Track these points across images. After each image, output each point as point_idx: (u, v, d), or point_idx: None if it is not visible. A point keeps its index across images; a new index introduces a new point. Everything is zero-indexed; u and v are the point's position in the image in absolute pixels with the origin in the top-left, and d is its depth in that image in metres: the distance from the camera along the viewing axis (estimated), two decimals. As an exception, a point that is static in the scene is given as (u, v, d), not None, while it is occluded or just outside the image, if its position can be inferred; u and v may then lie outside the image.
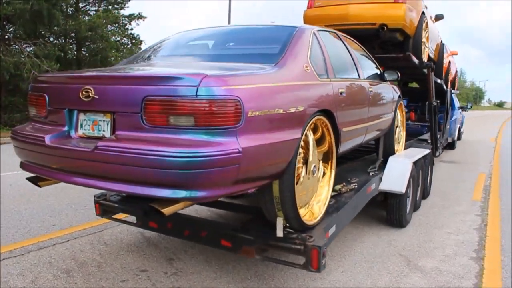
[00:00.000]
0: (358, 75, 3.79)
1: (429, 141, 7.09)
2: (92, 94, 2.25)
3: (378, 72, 4.50)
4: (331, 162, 3.16)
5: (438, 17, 7.85)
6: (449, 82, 10.22)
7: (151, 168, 2.01)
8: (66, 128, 2.44)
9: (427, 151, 5.79)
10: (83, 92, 2.28)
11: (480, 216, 5.21)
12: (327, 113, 2.93)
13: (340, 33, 3.88)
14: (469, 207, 5.69)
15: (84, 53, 16.31)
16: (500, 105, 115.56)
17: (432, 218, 5.07)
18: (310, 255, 2.65)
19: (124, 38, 17.29)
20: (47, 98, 2.51)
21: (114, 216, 3.66)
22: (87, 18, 15.94)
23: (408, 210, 4.68)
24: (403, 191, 4.29)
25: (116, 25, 16.76)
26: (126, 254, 3.62)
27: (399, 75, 4.40)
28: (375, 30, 5.75)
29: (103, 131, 2.32)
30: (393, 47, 6.25)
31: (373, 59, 4.65)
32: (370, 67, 4.33)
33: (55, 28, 14.17)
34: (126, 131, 2.18)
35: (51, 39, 15.11)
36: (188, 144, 2.01)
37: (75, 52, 16.18)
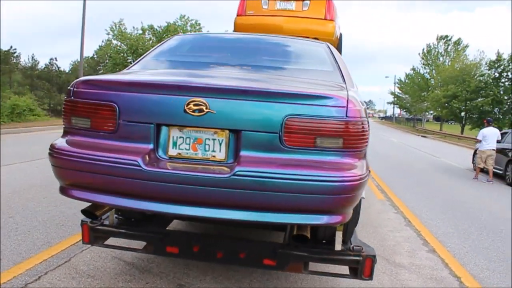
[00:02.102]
0: None
1: None
2: (207, 108, 1.94)
3: None
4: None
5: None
6: None
7: (301, 194, 1.88)
8: (151, 147, 2.03)
9: None
10: (191, 105, 1.95)
11: (398, 214, 6.07)
12: None
13: None
14: (382, 206, 6.55)
15: None
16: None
17: (365, 218, 5.68)
18: (364, 265, 2.77)
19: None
20: (118, 109, 2.04)
21: (107, 243, 3.13)
22: None
23: None
24: (364, 196, 4.72)
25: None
26: (128, 287, 3.13)
27: None
28: None
29: (213, 151, 2.02)
30: None
31: None
32: None
33: None
34: (256, 152, 1.96)
35: None
36: (339, 167, 1.94)
37: None
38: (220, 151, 2.01)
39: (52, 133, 14.01)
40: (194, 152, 2.03)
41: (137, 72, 2.64)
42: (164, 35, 32.95)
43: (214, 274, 3.42)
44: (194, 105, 1.95)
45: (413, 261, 4.10)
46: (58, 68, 33.73)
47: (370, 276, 2.80)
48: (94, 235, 3.00)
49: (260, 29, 6.06)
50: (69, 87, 2.20)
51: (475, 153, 11.68)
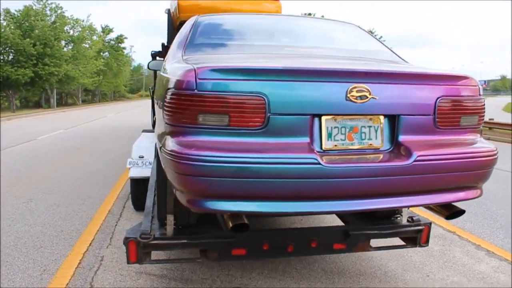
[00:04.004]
0: None
1: None
2: (370, 94, 1.83)
3: None
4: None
5: None
6: None
7: (457, 172, 1.97)
8: (307, 141, 1.82)
9: None
10: (354, 92, 1.81)
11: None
12: None
13: None
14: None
15: None
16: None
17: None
18: (422, 233, 2.94)
19: None
20: (267, 101, 1.75)
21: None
22: None
23: None
24: None
25: None
26: (185, 300, 2.76)
27: None
28: None
29: (369, 139, 1.93)
30: None
31: None
32: None
33: None
34: (414, 135, 1.95)
35: None
36: (476, 142, 2.11)
37: None
38: (376, 138, 1.93)
39: None
40: (350, 142, 1.90)
41: (259, 57, 2.34)
42: (23, 20, 29.06)
43: (257, 270, 3.24)
44: (357, 91, 1.81)
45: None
46: None
47: (427, 243, 2.98)
48: (143, 252, 2.59)
49: (209, 11, 5.76)
50: (183, 78, 1.77)
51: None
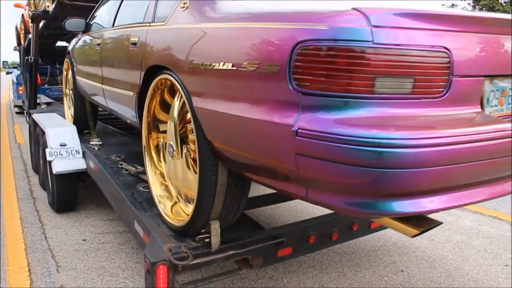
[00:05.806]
0: None
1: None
2: None
3: None
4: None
5: None
6: None
7: None
8: (478, 110, 1.44)
9: None
10: None
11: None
12: None
13: None
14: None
15: None
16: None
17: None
18: None
19: None
20: (452, 59, 1.27)
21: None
22: None
23: None
24: None
25: None
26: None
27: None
28: None
29: (510, 103, 1.61)
30: None
31: None
32: None
33: None
34: None
35: None
36: None
37: None
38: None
39: None
40: (501, 107, 1.56)
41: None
42: None
43: (269, 267, 2.75)
44: None
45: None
46: None
47: None
48: (173, 276, 1.90)
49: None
50: (348, 25, 1.15)
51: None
